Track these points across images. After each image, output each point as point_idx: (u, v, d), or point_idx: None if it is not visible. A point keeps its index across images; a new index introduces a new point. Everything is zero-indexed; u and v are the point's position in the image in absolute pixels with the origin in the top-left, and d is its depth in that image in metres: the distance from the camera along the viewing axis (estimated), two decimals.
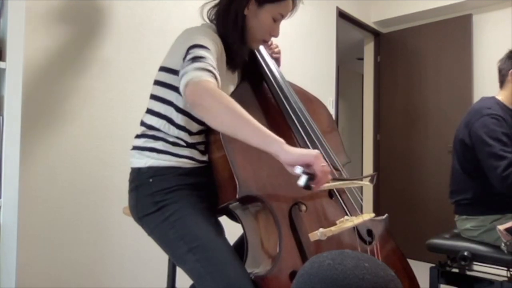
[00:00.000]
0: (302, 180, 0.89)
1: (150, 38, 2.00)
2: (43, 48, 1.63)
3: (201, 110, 0.95)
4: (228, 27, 1.15)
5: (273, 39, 1.27)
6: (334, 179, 1.13)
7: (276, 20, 1.19)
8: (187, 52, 1.03)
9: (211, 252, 1.01)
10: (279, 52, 1.41)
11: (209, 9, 1.22)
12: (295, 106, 1.26)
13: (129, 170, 1.18)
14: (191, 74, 0.95)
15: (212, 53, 1.04)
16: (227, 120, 0.92)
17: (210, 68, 0.98)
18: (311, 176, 0.90)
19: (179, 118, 1.12)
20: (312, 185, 0.91)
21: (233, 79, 1.26)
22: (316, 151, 0.92)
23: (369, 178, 1.20)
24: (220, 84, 0.99)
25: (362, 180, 1.19)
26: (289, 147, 0.91)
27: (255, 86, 1.29)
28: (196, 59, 0.99)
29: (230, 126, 0.92)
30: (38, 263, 1.61)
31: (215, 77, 0.98)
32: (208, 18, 1.22)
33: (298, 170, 0.89)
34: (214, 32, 1.16)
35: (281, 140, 0.92)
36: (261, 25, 1.17)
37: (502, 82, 1.92)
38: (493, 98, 1.91)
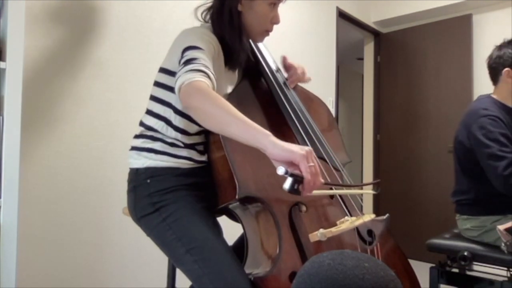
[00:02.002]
0: (287, 183, 0.80)
1: (150, 38, 2.00)
2: (43, 48, 1.63)
3: (193, 111, 0.95)
4: (225, 28, 1.14)
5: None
6: (328, 184, 1.07)
7: (274, 6, 1.16)
8: (182, 55, 1.04)
9: (209, 253, 1.01)
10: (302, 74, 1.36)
11: (202, 12, 1.21)
12: (294, 106, 1.26)
13: (128, 170, 1.18)
14: (183, 77, 0.95)
15: (206, 53, 1.03)
16: (215, 118, 0.90)
17: (202, 68, 0.97)
18: (297, 178, 0.80)
19: (177, 120, 1.12)
20: (300, 189, 0.82)
21: (232, 78, 1.26)
22: (306, 148, 0.85)
23: (372, 186, 1.17)
24: (214, 82, 0.99)
25: (363, 188, 1.15)
26: (277, 140, 0.85)
27: (255, 85, 1.28)
28: (188, 61, 0.99)
29: (219, 123, 0.90)
30: (38, 263, 1.61)
31: (208, 76, 0.97)
32: (204, 20, 1.21)
33: (281, 171, 0.79)
34: (211, 32, 1.15)
35: (268, 133, 0.86)
36: (259, 16, 1.15)
37: (495, 80, 1.90)
38: (489, 97, 1.89)
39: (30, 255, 1.59)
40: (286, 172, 0.79)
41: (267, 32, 1.21)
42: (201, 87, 0.92)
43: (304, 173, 0.82)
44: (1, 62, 1.19)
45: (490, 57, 1.91)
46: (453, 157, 1.97)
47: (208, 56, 1.03)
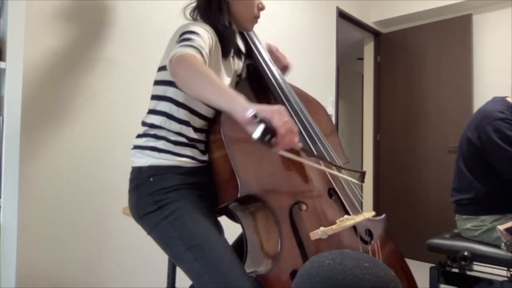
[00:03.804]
0: (257, 131, 0.73)
1: (151, 38, 2.00)
2: (44, 48, 1.63)
3: (177, 78, 0.96)
4: (215, 16, 1.18)
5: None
6: (306, 151, 1.05)
7: None
8: (178, 40, 1.06)
9: (210, 251, 1.01)
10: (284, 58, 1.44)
11: (190, 12, 1.25)
12: (296, 107, 1.26)
13: (129, 170, 1.18)
14: (175, 51, 0.98)
15: (202, 38, 1.06)
16: (195, 82, 0.91)
17: (195, 45, 1.00)
18: (270, 127, 0.75)
19: (180, 113, 1.13)
20: (272, 141, 0.77)
21: (228, 69, 1.26)
22: (277, 105, 0.82)
23: (359, 175, 1.17)
24: (207, 60, 1.01)
25: (349, 173, 1.18)
26: (248, 103, 0.82)
27: (255, 86, 1.29)
28: (183, 40, 1.02)
29: (197, 86, 0.90)
30: (38, 263, 1.61)
31: (200, 52, 0.99)
32: (193, 18, 1.25)
33: (249, 112, 0.73)
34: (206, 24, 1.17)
35: (242, 97, 0.84)
36: (246, 3, 1.22)
37: None
38: (504, 100, 1.86)
39: (30, 255, 1.59)
40: (256, 116, 0.72)
41: (255, 18, 1.26)
42: (190, 58, 0.94)
43: (278, 127, 0.78)
44: (1, 62, 1.19)
45: None
46: (457, 155, 1.96)
47: (204, 40, 1.06)
